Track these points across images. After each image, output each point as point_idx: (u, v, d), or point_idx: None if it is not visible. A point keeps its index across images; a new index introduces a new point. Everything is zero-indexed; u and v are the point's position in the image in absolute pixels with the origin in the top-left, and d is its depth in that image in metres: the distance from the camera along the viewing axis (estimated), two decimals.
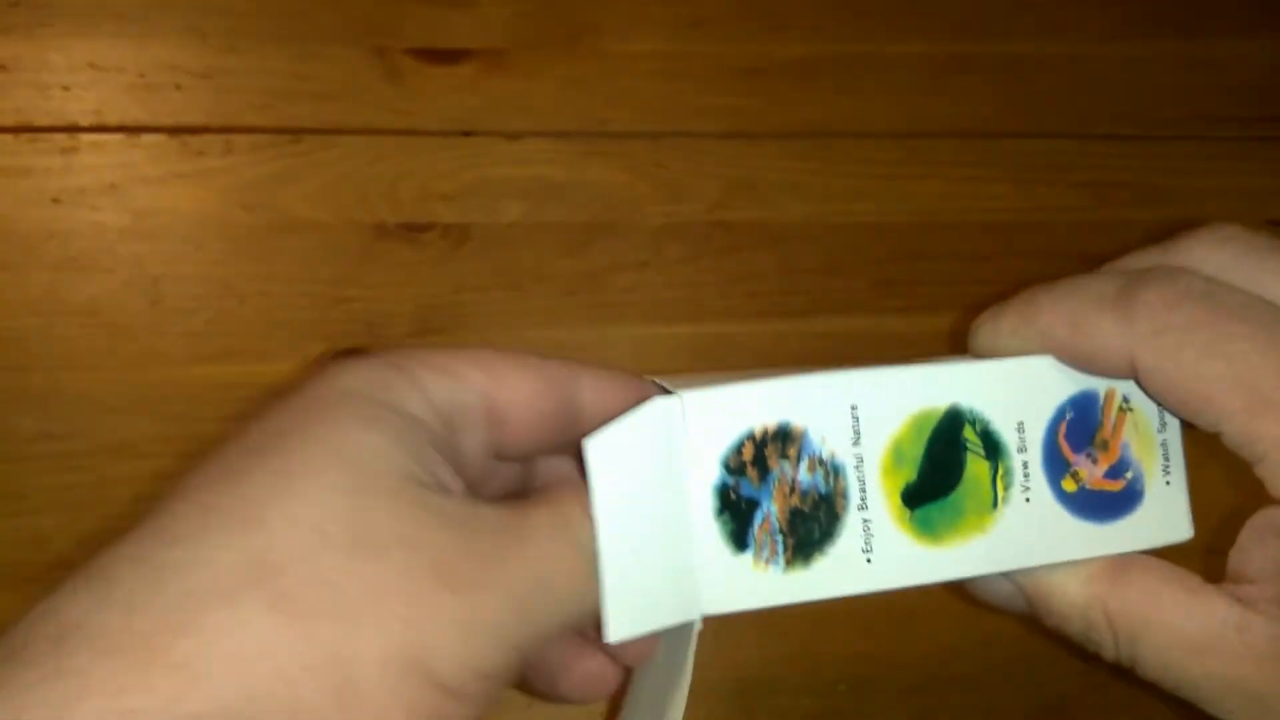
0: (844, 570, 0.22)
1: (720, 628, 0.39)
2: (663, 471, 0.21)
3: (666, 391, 0.22)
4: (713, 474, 0.22)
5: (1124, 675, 0.23)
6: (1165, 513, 0.24)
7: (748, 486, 0.22)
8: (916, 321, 0.44)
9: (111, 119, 0.42)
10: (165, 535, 0.18)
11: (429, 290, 0.42)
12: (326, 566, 0.18)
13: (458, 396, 0.22)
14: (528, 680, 0.25)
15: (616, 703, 0.27)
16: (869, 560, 0.22)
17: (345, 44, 0.44)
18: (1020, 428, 0.23)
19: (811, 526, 0.22)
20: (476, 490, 0.24)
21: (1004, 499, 0.23)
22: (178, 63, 0.43)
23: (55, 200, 0.41)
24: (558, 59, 0.45)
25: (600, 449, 0.21)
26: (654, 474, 0.21)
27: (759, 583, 0.22)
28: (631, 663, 0.25)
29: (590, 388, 0.23)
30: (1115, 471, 0.24)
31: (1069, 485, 0.24)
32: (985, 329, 0.24)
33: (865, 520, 0.22)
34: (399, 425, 0.20)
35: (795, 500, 0.22)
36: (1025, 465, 0.23)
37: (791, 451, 0.22)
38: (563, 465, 0.26)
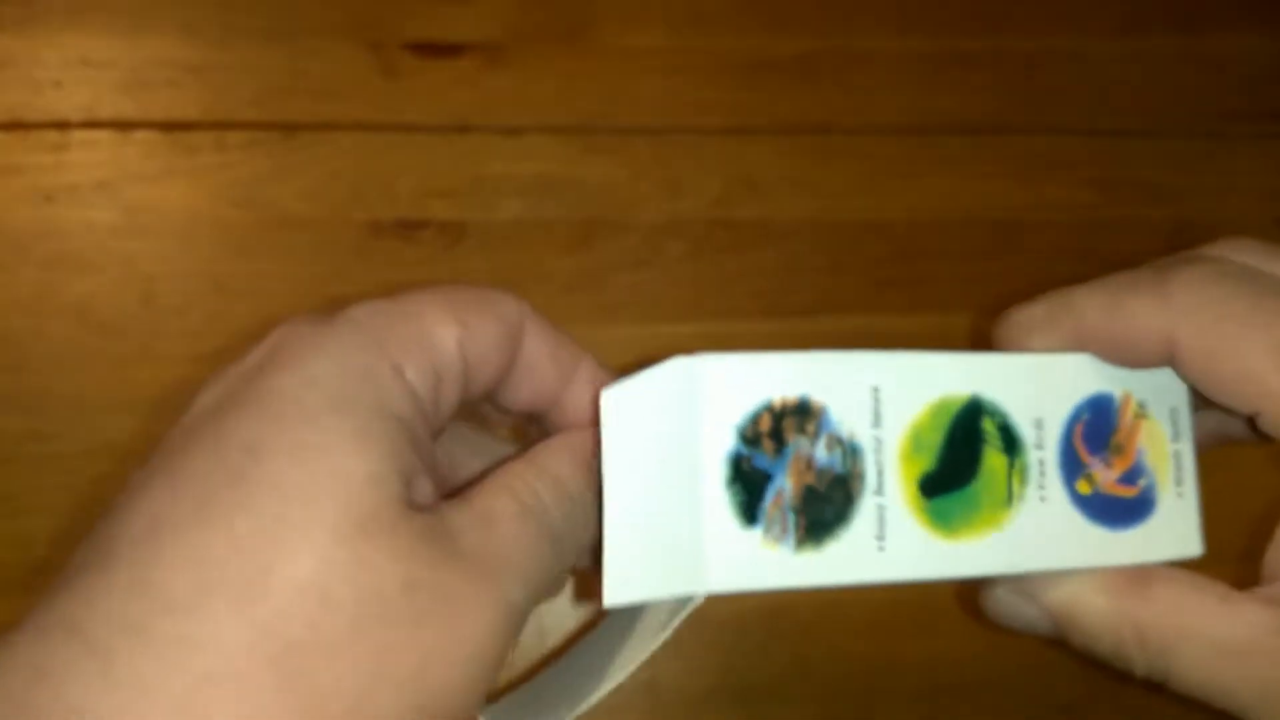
0: (856, 556, 0.22)
1: (722, 633, 0.39)
2: (675, 433, 0.21)
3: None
4: (727, 442, 0.21)
5: (1155, 690, 0.22)
6: (1176, 525, 0.24)
7: (762, 459, 0.21)
8: (919, 320, 0.43)
9: (103, 115, 0.42)
10: (159, 596, 0.17)
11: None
12: (334, 636, 0.17)
13: (439, 363, 0.21)
14: None
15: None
16: (881, 548, 0.22)
17: (340, 38, 0.43)
18: (1038, 424, 0.23)
19: (825, 507, 0.21)
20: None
21: (1019, 496, 0.23)
22: (170, 58, 0.43)
23: (46, 198, 0.41)
24: (557, 54, 0.45)
25: (614, 401, 0.21)
26: (666, 434, 0.21)
27: (768, 562, 0.21)
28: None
29: (533, 337, 0.23)
30: (1129, 477, 0.24)
31: (1083, 487, 0.23)
32: (1014, 321, 0.24)
33: (880, 505, 0.22)
34: (388, 437, 0.19)
35: (810, 478, 0.21)
36: (1041, 463, 0.23)
37: (810, 427, 0.21)
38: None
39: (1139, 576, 0.22)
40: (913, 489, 0.22)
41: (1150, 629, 0.22)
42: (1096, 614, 0.22)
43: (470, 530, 0.19)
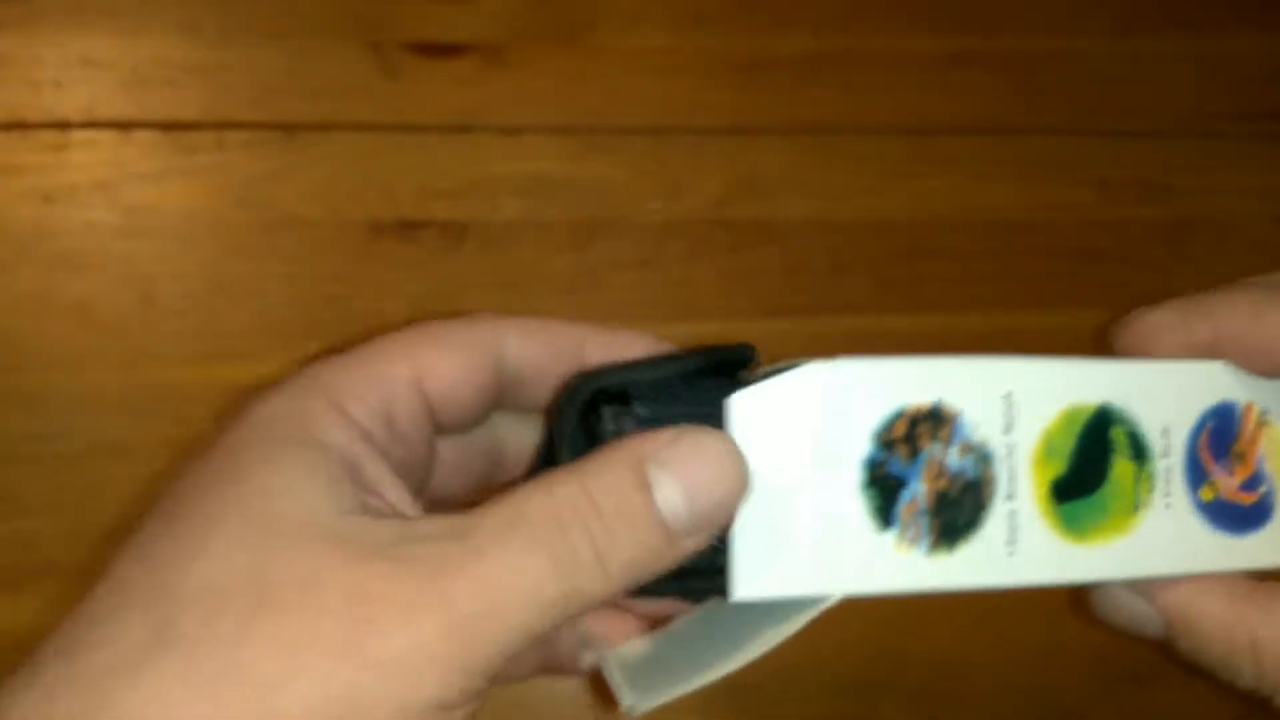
0: (987, 560, 0.22)
1: None
2: (808, 437, 0.21)
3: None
4: (863, 447, 0.21)
5: (1261, 707, 0.23)
6: None
7: (896, 464, 0.22)
8: (920, 320, 0.44)
9: (103, 115, 0.42)
10: (87, 616, 0.18)
11: (426, 289, 0.41)
12: (230, 630, 0.17)
13: (388, 400, 0.21)
14: (551, 669, 0.25)
15: None
16: (1011, 553, 0.22)
17: (341, 38, 0.44)
18: (1165, 432, 0.24)
19: (958, 512, 0.22)
20: (441, 479, 0.24)
21: (1145, 503, 0.23)
22: (170, 58, 0.43)
23: (46, 198, 0.41)
24: (558, 54, 0.45)
25: (744, 407, 0.21)
26: (798, 439, 0.21)
27: (902, 565, 0.22)
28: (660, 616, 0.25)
29: (516, 344, 0.23)
30: (1250, 484, 0.24)
31: (1206, 494, 0.24)
32: (1144, 323, 0.24)
33: (1012, 510, 0.22)
34: (308, 459, 0.19)
35: (943, 483, 0.22)
36: (1168, 470, 0.24)
37: (943, 433, 0.22)
38: (522, 436, 0.25)
39: (1262, 589, 0.23)
40: (1044, 493, 0.23)
41: (1267, 642, 0.22)
42: (1212, 620, 0.23)
43: (433, 540, 0.19)
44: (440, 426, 0.23)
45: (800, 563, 0.21)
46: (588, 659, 0.25)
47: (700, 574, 0.21)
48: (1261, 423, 0.24)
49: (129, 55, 0.43)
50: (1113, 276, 0.45)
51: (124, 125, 0.42)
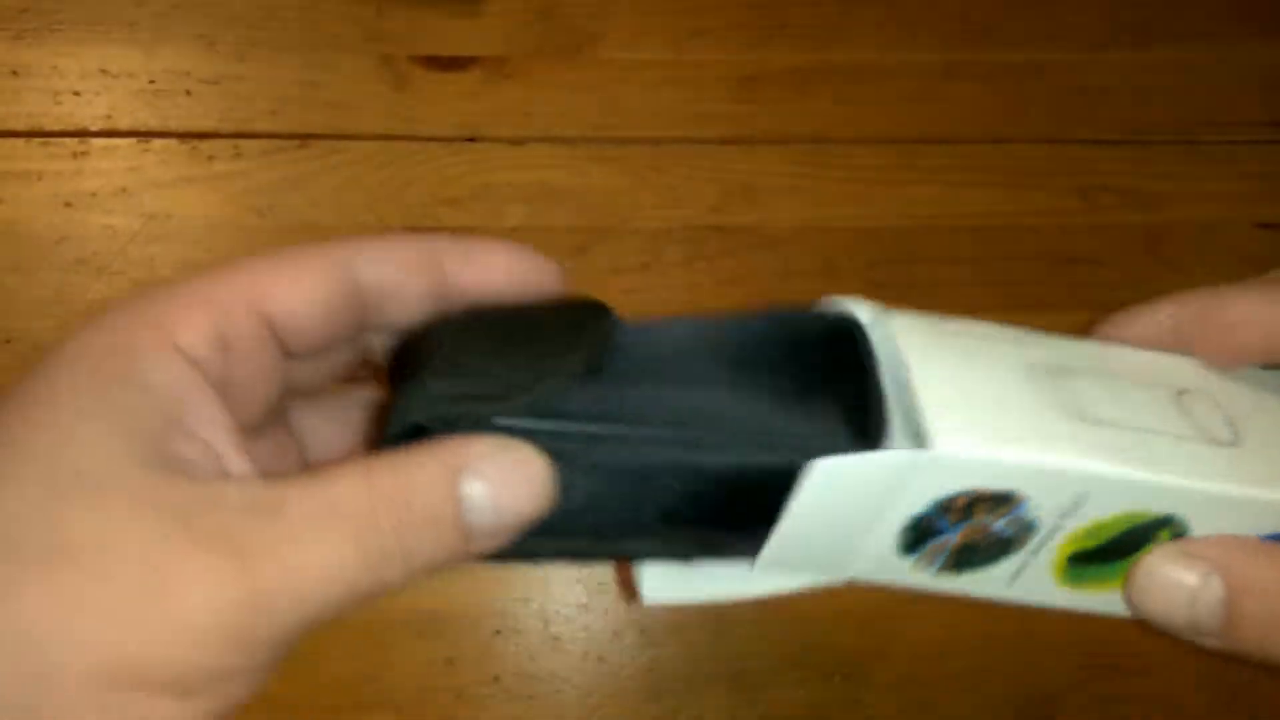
0: (984, 584, 0.23)
1: (719, 621, 0.40)
2: (875, 495, 0.21)
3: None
4: (919, 507, 0.21)
5: (1229, 661, 0.23)
6: None
7: (944, 523, 0.22)
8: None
9: (122, 124, 0.43)
10: None
11: None
12: (10, 583, 0.17)
13: (223, 325, 0.20)
14: None
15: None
16: (1010, 585, 0.23)
17: (353, 52, 0.44)
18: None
19: (977, 554, 0.22)
20: (288, 405, 0.23)
21: None
22: (188, 69, 0.44)
23: (67, 204, 0.42)
24: (561, 67, 0.46)
25: (826, 471, 0.20)
26: (864, 495, 0.21)
27: (909, 574, 0.23)
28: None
29: (368, 263, 0.22)
30: None
31: None
32: (1118, 316, 0.25)
33: (1025, 563, 0.23)
34: (121, 402, 0.18)
35: (978, 537, 0.22)
36: None
37: (1001, 510, 0.22)
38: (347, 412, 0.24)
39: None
40: (1063, 560, 0.23)
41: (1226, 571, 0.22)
42: (1255, 566, 0.22)
43: (240, 513, 0.18)
44: (291, 349, 0.21)
45: (817, 562, 0.22)
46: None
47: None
48: None
49: (147, 66, 0.44)
50: (1095, 281, 0.45)
51: (142, 134, 0.43)
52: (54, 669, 0.17)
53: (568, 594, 0.40)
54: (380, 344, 0.23)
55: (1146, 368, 0.24)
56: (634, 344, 0.23)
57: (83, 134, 0.43)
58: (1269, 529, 0.23)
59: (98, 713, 0.17)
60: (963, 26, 0.48)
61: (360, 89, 0.44)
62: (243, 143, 0.43)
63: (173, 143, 0.43)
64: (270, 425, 0.23)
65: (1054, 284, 0.45)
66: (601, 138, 0.45)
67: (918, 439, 0.21)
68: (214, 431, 0.19)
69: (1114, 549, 0.23)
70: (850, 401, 0.22)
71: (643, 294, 0.43)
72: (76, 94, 0.43)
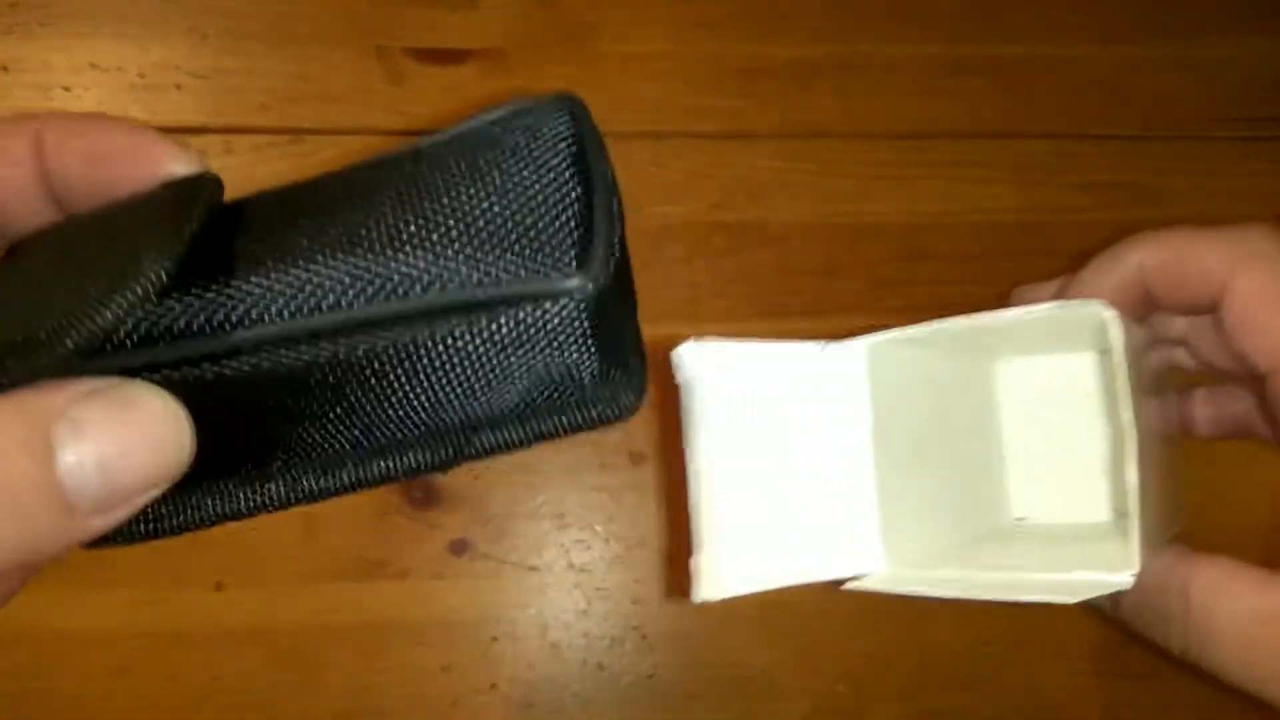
0: None
1: (720, 628, 0.39)
2: None
3: None
4: None
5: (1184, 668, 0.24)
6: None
7: None
8: (914, 321, 0.44)
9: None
10: None
11: None
12: None
13: None
14: None
15: None
16: None
17: (346, 44, 0.44)
18: None
19: None
20: None
21: None
22: (178, 63, 0.43)
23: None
24: (558, 60, 0.45)
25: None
26: None
27: None
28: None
29: (55, 133, 0.19)
30: None
31: None
32: (1087, 268, 0.27)
33: None
34: None
35: None
36: None
37: None
38: None
39: (1188, 551, 0.24)
40: None
41: (1195, 590, 0.23)
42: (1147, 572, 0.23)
43: None
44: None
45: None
46: None
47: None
48: None
49: (137, 61, 0.43)
50: None
51: None
52: None
53: (566, 600, 0.39)
54: None
55: None
56: (253, 217, 0.18)
57: None
58: None
59: None
60: (968, 19, 0.48)
61: (354, 83, 0.44)
62: (234, 138, 0.42)
63: None
64: None
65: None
66: (601, 132, 0.44)
67: None
68: None
69: None
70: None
71: (642, 292, 0.42)
72: (67, 89, 0.43)
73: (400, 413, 0.17)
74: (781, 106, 0.46)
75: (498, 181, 0.18)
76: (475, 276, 0.17)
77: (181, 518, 0.17)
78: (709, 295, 0.43)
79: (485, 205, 0.18)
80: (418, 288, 0.17)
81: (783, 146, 0.45)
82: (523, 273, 0.17)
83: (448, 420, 0.18)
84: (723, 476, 0.23)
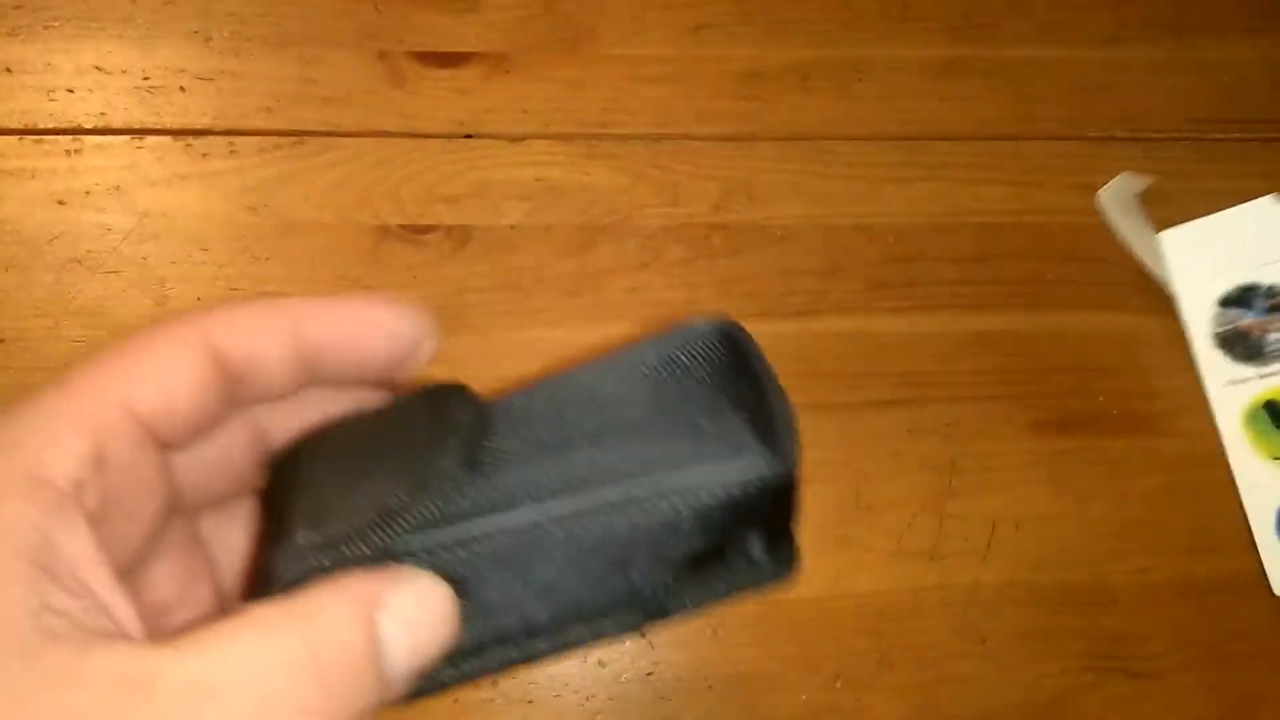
0: None
1: (720, 625, 0.40)
2: None
3: None
4: None
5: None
6: None
7: None
8: (913, 322, 0.44)
9: (116, 121, 0.43)
10: None
11: (431, 291, 0.42)
12: None
13: (99, 443, 0.18)
14: None
15: None
16: None
17: (349, 47, 0.44)
18: None
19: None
20: (203, 480, 0.22)
21: None
22: (182, 65, 0.43)
23: (60, 202, 0.41)
24: (560, 63, 0.45)
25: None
26: None
27: None
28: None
29: (226, 334, 0.20)
30: None
31: None
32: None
33: None
34: (23, 560, 0.16)
35: None
36: None
37: None
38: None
39: None
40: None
41: None
42: None
43: (100, 687, 0.16)
44: (166, 440, 0.20)
45: None
46: None
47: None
48: None
49: (141, 63, 0.43)
50: (1103, 280, 0.45)
51: (136, 131, 0.43)
52: None
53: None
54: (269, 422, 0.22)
55: None
56: (504, 420, 0.21)
57: (76, 131, 0.42)
58: None
59: None
60: (967, 22, 0.48)
61: (356, 85, 0.44)
62: (237, 140, 0.43)
63: (167, 140, 0.43)
64: (173, 540, 0.21)
65: (1060, 283, 0.45)
66: (601, 134, 0.45)
67: None
68: (91, 571, 0.17)
69: None
70: (749, 412, 0.21)
71: (643, 293, 0.43)
72: (70, 91, 0.43)
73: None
74: (781, 109, 0.46)
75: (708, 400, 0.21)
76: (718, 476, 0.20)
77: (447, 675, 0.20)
78: (709, 296, 0.43)
79: (716, 427, 0.21)
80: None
81: (782, 148, 0.45)
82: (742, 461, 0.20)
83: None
84: None
